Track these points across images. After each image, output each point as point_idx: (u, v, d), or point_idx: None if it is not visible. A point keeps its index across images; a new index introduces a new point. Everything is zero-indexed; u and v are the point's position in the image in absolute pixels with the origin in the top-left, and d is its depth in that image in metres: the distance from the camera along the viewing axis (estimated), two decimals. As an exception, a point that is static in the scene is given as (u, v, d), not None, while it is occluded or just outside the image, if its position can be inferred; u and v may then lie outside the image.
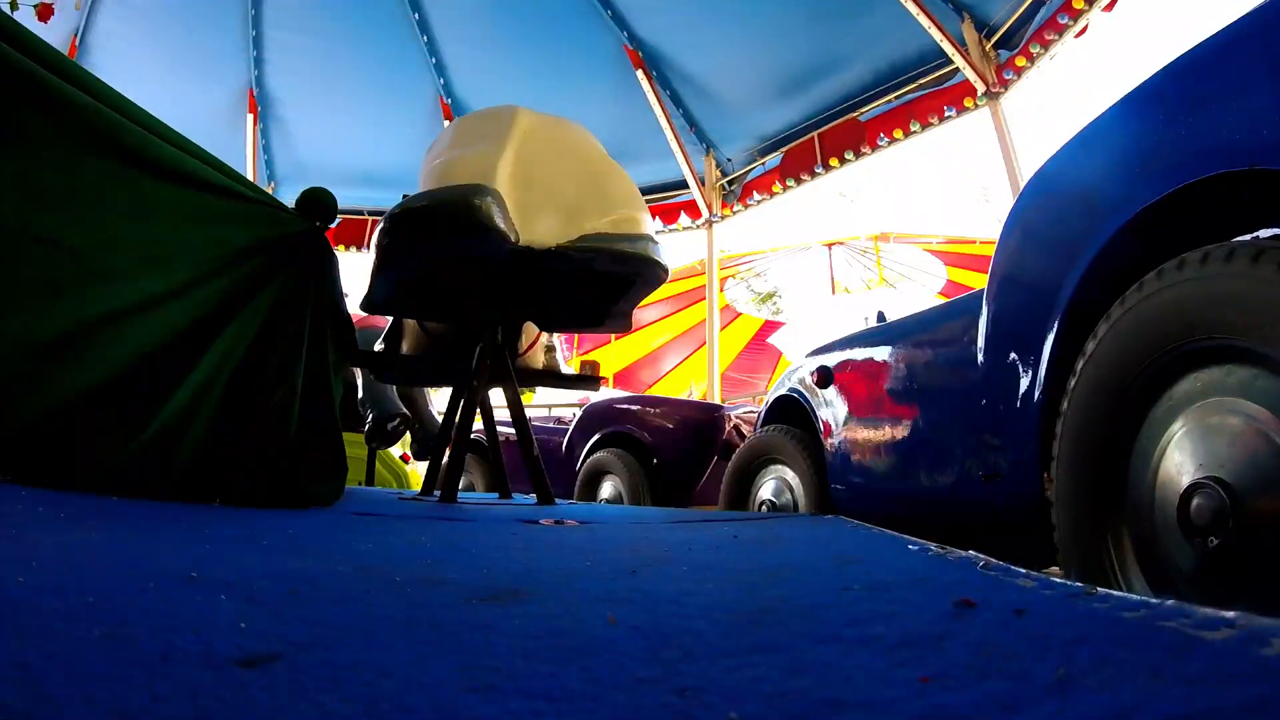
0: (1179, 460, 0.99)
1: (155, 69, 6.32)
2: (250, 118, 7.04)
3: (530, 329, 3.50)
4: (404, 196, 2.48)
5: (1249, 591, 0.88)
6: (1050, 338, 1.27)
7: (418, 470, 5.41)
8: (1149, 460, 1.04)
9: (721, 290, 7.46)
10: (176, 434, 1.73)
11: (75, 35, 6.23)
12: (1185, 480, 0.97)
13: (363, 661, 0.51)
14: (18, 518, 1.05)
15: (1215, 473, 0.93)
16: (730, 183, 6.56)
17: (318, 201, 2.15)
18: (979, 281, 1.69)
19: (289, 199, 2.20)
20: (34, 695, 0.39)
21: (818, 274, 9.07)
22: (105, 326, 1.63)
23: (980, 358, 1.49)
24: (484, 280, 2.78)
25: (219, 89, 6.91)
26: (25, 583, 0.62)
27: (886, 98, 5.51)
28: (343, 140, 7.33)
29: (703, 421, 3.87)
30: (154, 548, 0.93)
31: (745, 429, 3.83)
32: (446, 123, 7.05)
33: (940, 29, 4.96)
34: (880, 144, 5.59)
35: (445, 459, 3.03)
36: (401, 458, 5.54)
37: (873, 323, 2.41)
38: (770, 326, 9.61)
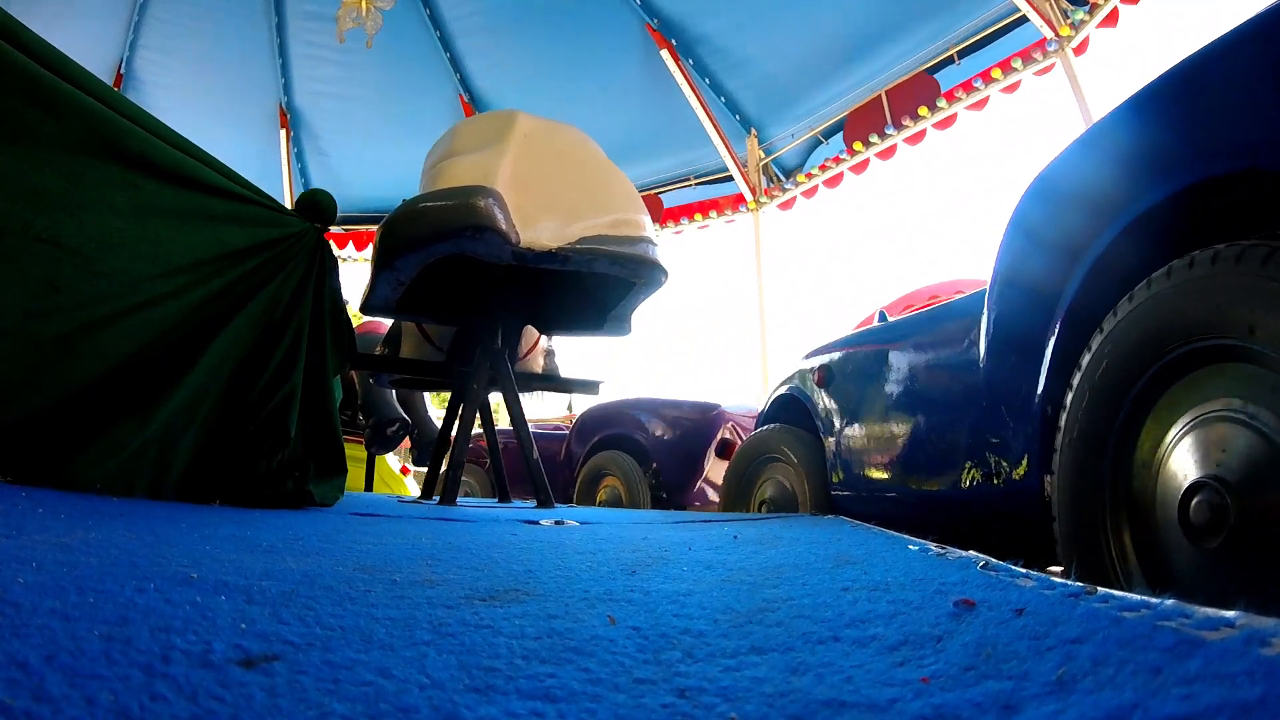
0: (1181, 459, 0.99)
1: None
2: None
3: (530, 333, 3.50)
4: (403, 200, 2.48)
5: (1250, 590, 0.88)
6: (1052, 339, 1.27)
7: (416, 485, 5.41)
8: (1151, 458, 1.04)
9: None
10: (176, 434, 1.73)
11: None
12: (1187, 479, 0.97)
13: (362, 661, 0.51)
14: (18, 517, 1.05)
15: (1217, 472, 0.93)
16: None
17: (317, 203, 2.15)
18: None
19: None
20: (34, 695, 0.39)
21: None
22: (105, 326, 1.64)
23: (982, 358, 1.49)
24: (484, 282, 2.79)
25: (94, 68, 7.07)
26: (25, 583, 0.62)
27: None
28: (190, 124, 7.53)
29: (700, 421, 3.88)
30: (154, 548, 0.93)
31: (741, 429, 3.85)
32: (281, 131, 7.39)
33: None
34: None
35: (445, 463, 3.03)
36: (400, 470, 5.54)
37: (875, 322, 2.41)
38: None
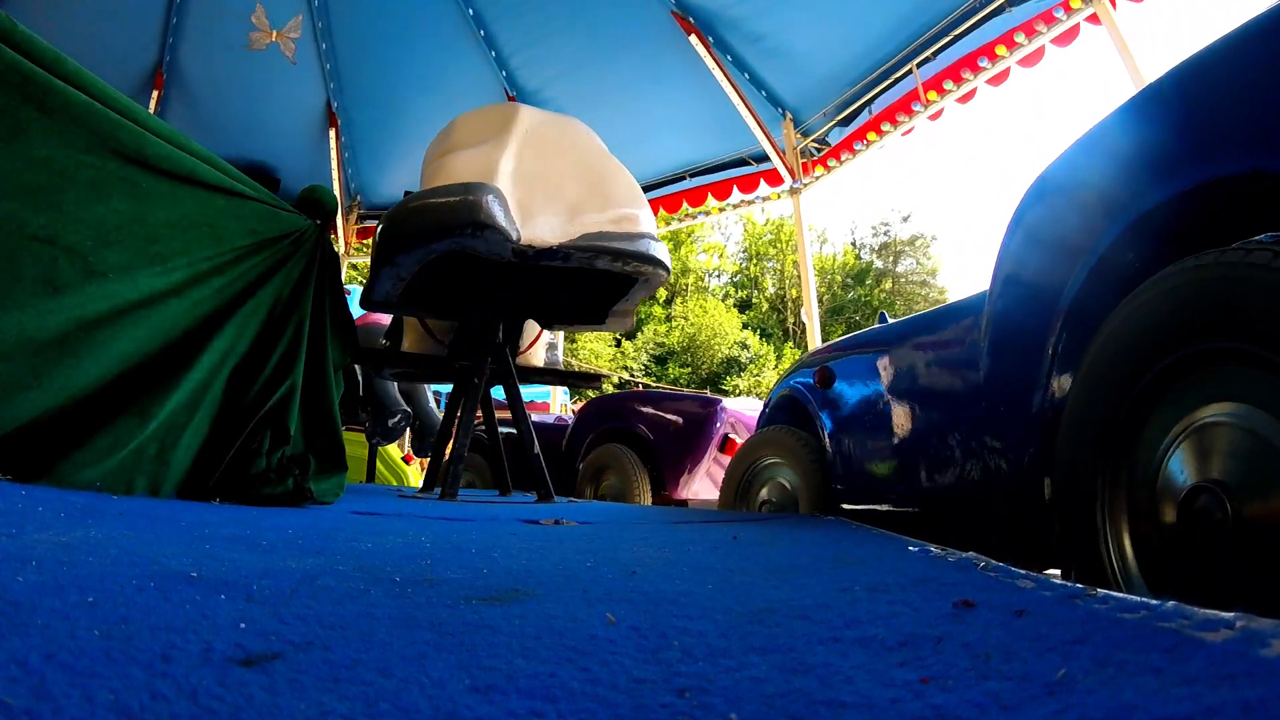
0: (1182, 462, 0.99)
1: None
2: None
3: (531, 327, 3.51)
4: (405, 194, 2.48)
5: (1249, 594, 0.87)
6: (1053, 339, 1.27)
7: (420, 472, 5.41)
8: (1151, 461, 1.04)
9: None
10: (176, 432, 1.73)
11: None
12: (1187, 483, 0.96)
13: (362, 661, 0.51)
14: (17, 517, 1.05)
15: (1218, 476, 0.92)
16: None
17: (317, 200, 2.15)
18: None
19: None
20: (34, 694, 0.39)
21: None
22: (104, 325, 1.63)
23: (982, 358, 1.49)
24: (485, 278, 2.78)
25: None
26: (25, 582, 0.62)
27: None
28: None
29: (701, 415, 3.89)
30: (154, 548, 0.93)
31: (741, 425, 3.86)
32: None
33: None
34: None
35: (446, 456, 3.03)
36: (404, 458, 5.56)
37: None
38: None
